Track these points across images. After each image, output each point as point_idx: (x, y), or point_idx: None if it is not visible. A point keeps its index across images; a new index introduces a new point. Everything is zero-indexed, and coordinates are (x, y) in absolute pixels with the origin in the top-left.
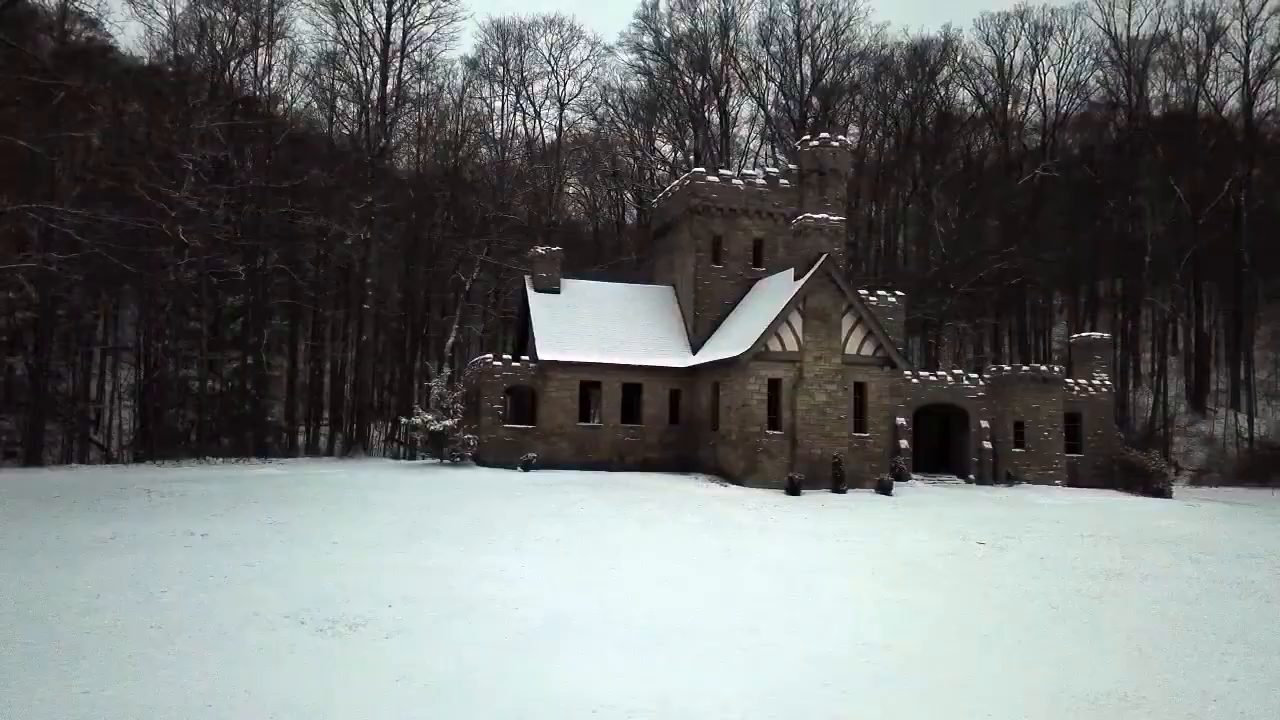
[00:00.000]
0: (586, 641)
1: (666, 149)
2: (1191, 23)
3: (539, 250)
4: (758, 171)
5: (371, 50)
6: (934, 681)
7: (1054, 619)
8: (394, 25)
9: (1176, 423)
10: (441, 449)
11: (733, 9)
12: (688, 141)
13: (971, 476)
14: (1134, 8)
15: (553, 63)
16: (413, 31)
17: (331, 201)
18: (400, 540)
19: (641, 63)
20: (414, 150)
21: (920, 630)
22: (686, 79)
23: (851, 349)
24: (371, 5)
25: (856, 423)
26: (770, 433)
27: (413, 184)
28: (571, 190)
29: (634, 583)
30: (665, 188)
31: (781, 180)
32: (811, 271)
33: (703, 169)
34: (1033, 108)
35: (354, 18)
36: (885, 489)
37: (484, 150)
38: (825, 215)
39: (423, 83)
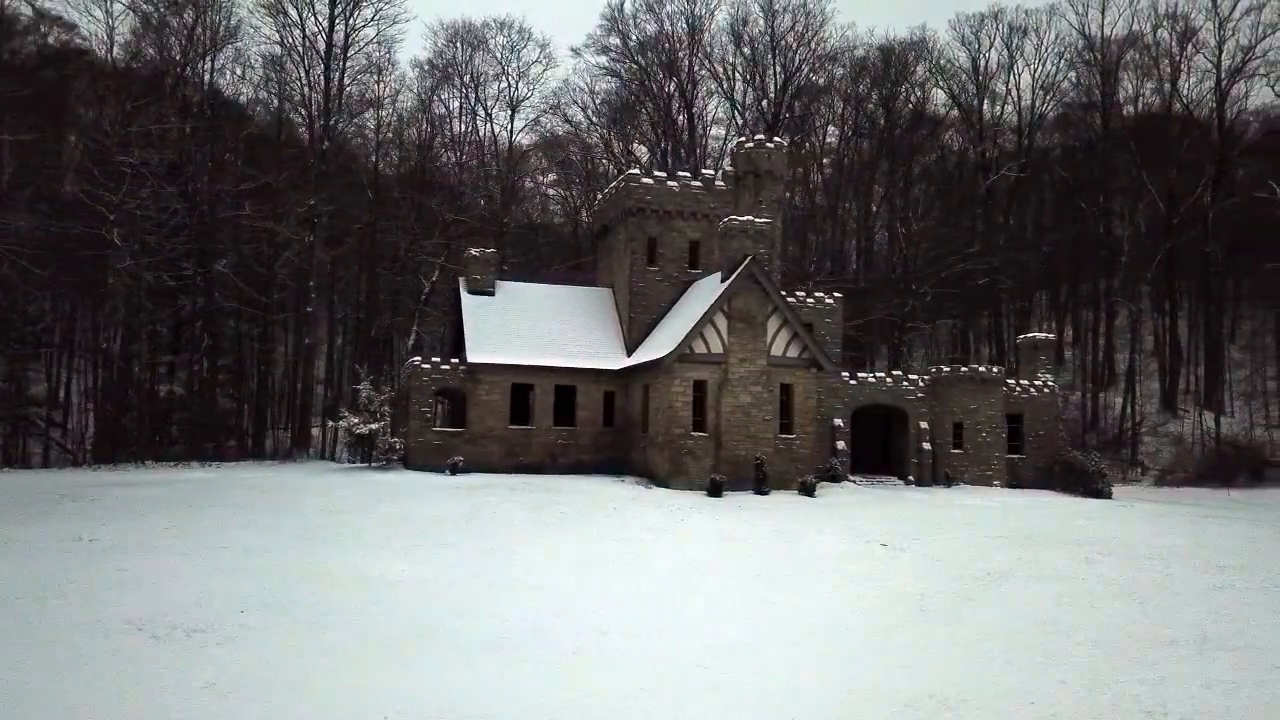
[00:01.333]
0: (431, 645)
1: (642, 151)
2: (1165, 23)
3: (473, 252)
4: (687, 174)
5: (315, 54)
6: (764, 685)
7: (919, 621)
8: (336, 28)
9: (1148, 423)
10: (371, 452)
11: (699, 11)
12: (665, 144)
13: (910, 478)
14: (1107, 8)
15: (504, 65)
16: (354, 34)
17: (279, 205)
18: (293, 543)
19: (610, 65)
20: (371, 153)
21: (779, 633)
22: (657, 80)
23: (777, 350)
24: (313, 7)
25: (783, 424)
26: (695, 434)
27: (371, 186)
28: (552, 192)
29: (512, 586)
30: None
31: (717, 182)
32: (736, 273)
33: (637, 170)
34: (1008, 109)
35: (296, 19)
36: (808, 490)
37: (445, 155)
38: (750, 217)
39: (381, 85)
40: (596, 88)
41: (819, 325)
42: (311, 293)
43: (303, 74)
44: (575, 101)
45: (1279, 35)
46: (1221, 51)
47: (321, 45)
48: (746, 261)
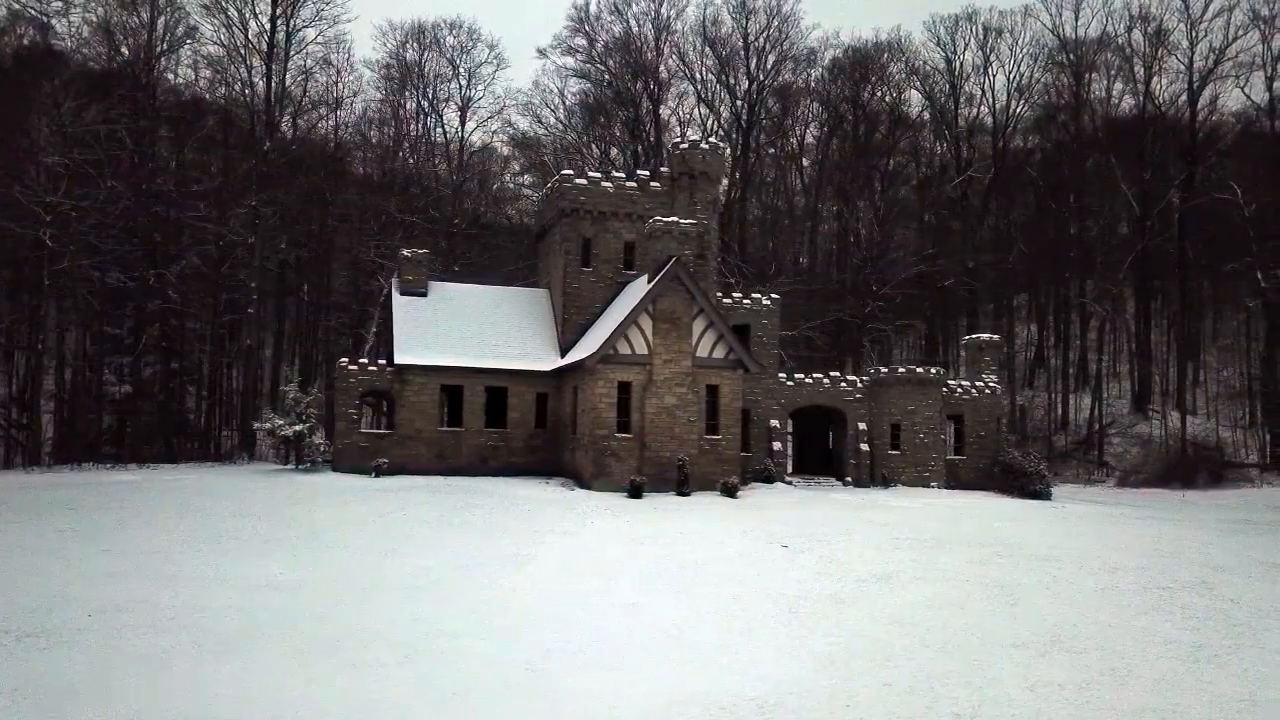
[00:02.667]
0: (269, 648)
1: (618, 153)
2: (1138, 25)
3: (405, 253)
4: (622, 175)
5: (257, 54)
6: (565, 689)
7: (782, 623)
8: (278, 28)
9: (1118, 424)
10: (299, 454)
11: (666, 12)
12: (635, 146)
13: (849, 479)
14: (1081, 10)
15: (455, 66)
16: (296, 35)
17: (226, 207)
18: (183, 546)
19: (578, 66)
20: (326, 153)
21: (632, 636)
22: (625, 83)
23: (703, 352)
24: (254, 7)
25: (709, 425)
26: (619, 436)
27: (328, 187)
28: (529, 192)
29: (387, 589)
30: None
31: (653, 183)
32: (661, 274)
33: (571, 171)
34: (983, 110)
35: (236, 20)
36: (730, 491)
37: (400, 156)
38: (675, 219)
39: (339, 85)
40: (568, 89)
41: (755, 326)
42: (254, 294)
43: (245, 74)
44: (546, 103)
45: (1250, 38)
46: (1193, 53)
47: (264, 46)
48: (671, 263)
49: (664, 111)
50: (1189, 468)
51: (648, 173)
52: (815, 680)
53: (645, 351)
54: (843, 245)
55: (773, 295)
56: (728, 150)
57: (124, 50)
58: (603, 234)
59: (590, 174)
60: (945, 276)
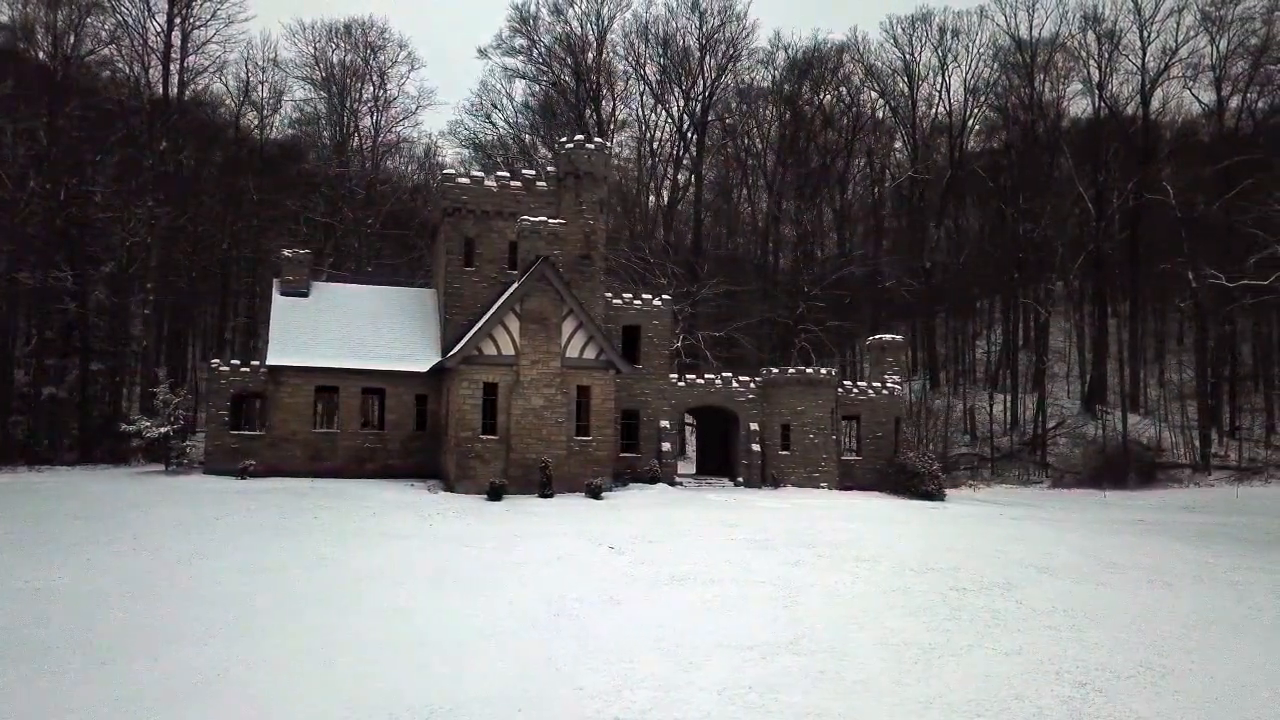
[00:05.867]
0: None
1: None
2: (1091, 25)
3: (286, 253)
4: (506, 174)
5: (151, 53)
6: (247, 695)
7: (537, 626)
8: (175, 27)
9: (1067, 424)
10: (167, 456)
11: (610, 12)
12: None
13: (740, 479)
14: (1035, 11)
15: (368, 64)
16: (192, 33)
17: (128, 207)
18: None
19: (520, 67)
20: (234, 150)
21: (362, 640)
22: (567, 83)
23: (573, 352)
24: (150, 7)
25: (579, 426)
26: (484, 438)
27: (248, 185)
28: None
29: (134, 594)
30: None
31: (539, 183)
32: (528, 274)
33: (453, 170)
34: (939, 111)
35: (134, 19)
36: (595, 493)
37: (315, 155)
38: (544, 218)
39: (264, 85)
40: (517, 90)
41: (646, 327)
42: (150, 294)
43: (142, 74)
44: (495, 105)
45: (1200, 40)
46: (1145, 54)
47: (161, 45)
48: (538, 263)
49: (620, 111)
50: (1120, 468)
51: (533, 172)
52: (519, 684)
53: (512, 352)
54: (781, 246)
55: (664, 296)
56: (673, 151)
57: (39, 42)
58: (487, 234)
59: (474, 173)
60: (888, 278)
